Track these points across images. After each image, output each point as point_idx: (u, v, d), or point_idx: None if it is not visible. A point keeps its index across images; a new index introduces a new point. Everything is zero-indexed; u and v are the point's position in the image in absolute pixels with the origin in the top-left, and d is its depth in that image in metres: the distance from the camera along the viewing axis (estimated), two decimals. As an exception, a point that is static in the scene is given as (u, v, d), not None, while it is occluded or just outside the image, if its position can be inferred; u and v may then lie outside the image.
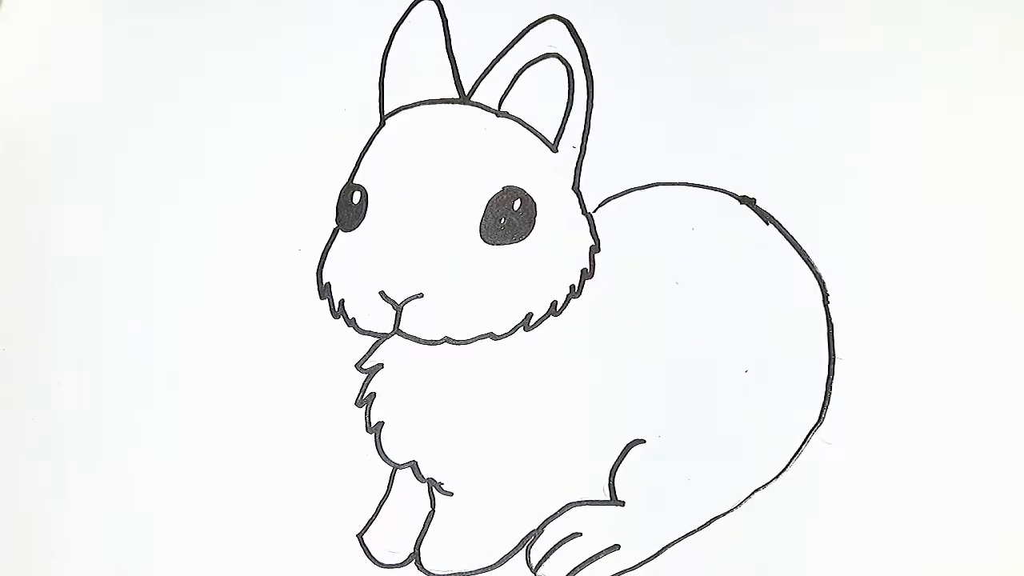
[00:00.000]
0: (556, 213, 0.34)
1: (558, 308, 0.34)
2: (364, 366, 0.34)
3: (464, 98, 0.35)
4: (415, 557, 0.33)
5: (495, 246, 0.34)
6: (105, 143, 0.37)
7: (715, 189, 0.33)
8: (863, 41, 0.33)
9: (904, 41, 0.33)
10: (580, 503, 0.33)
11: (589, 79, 0.35)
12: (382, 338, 0.34)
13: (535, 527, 0.33)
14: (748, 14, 0.34)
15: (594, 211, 0.34)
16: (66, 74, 0.38)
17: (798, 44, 0.34)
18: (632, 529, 0.32)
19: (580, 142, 0.34)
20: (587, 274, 0.34)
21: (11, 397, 0.37)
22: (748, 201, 0.33)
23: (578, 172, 0.34)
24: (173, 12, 0.38)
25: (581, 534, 0.33)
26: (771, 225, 0.33)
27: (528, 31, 0.35)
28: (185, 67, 0.37)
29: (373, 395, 0.34)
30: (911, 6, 0.33)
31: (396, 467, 0.34)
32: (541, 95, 0.34)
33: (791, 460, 0.32)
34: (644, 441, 0.33)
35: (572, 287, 0.34)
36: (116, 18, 0.38)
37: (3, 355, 0.37)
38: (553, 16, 0.35)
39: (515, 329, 0.34)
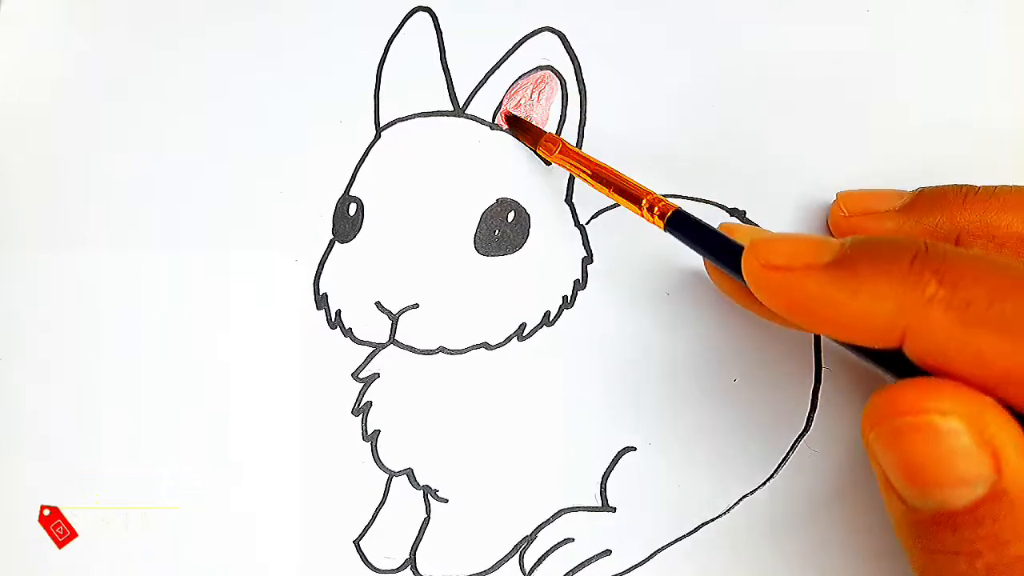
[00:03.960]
0: (549, 225, 0.34)
1: (551, 318, 0.34)
2: (360, 375, 0.35)
3: (458, 111, 0.35)
4: (411, 562, 0.34)
5: (489, 257, 0.34)
6: (100, 150, 0.37)
7: (705, 201, 0.34)
8: (860, 49, 0.34)
9: (904, 46, 0.34)
10: (572, 509, 0.33)
11: (582, 91, 0.35)
12: (378, 348, 0.35)
13: (528, 533, 0.34)
14: (744, 28, 0.35)
15: (587, 223, 0.35)
16: (64, 76, 0.38)
17: (791, 58, 0.34)
18: (623, 534, 0.33)
19: (573, 155, 0.35)
20: (580, 285, 0.34)
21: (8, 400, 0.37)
22: (738, 214, 0.34)
23: (571, 184, 0.35)
24: (170, 23, 0.37)
25: (573, 539, 0.33)
26: (760, 238, 0.33)
27: (522, 43, 0.35)
28: (181, 78, 0.37)
29: (369, 404, 0.35)
30: (912, 12, 0.34)
31: (392, 474, 0.34)
32: (535, 108, 0.35)
33: (778, 467, 0.33)
34: (635, 448, 0.33)
35: (565, 298, 0.34)
36: (114, 24, 0.38)
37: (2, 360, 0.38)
38: (547, 28, 0.35)
39: (509, 339, 0.34)
